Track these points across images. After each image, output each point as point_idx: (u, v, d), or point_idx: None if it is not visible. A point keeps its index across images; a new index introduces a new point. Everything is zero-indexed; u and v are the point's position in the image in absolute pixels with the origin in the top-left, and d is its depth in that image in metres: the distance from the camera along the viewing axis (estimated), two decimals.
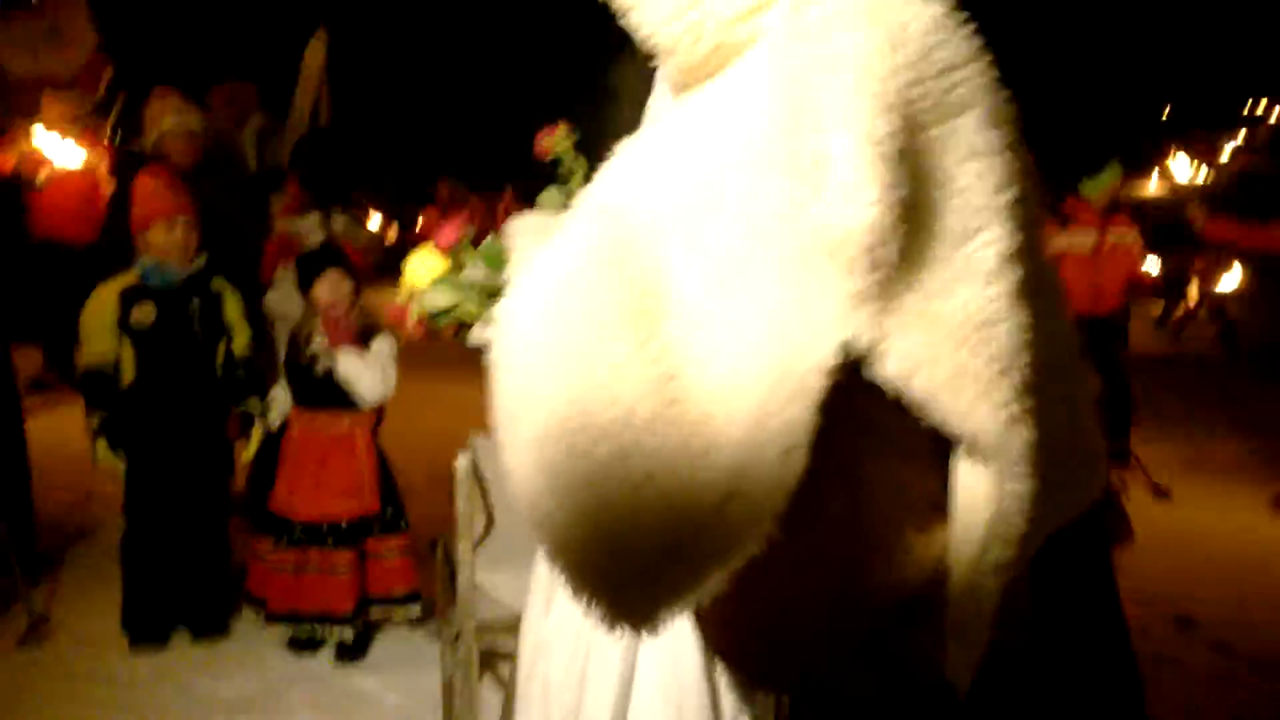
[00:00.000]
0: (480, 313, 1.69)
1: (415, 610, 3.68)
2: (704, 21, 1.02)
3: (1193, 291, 10.74)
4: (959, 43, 0.95)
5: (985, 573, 0.97)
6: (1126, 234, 5.97)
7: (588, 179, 1.16)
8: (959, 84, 0.94)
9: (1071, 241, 5.96)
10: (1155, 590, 4.16)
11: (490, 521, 3.75)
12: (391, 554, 3.66)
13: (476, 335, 1.68)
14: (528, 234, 1.43)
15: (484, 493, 3.57)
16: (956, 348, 0.91)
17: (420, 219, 11.91)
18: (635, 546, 0.94)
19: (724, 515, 0.91)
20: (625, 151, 1.08)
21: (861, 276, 0.87)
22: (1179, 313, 10.81)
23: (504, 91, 19.21)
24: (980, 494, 0.95)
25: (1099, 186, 6.02)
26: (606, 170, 1.08)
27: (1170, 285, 5.81)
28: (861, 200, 0.86)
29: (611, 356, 0.94)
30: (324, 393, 3.62)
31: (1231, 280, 6.51)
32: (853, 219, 0.86)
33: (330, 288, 3.59)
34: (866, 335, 0.89)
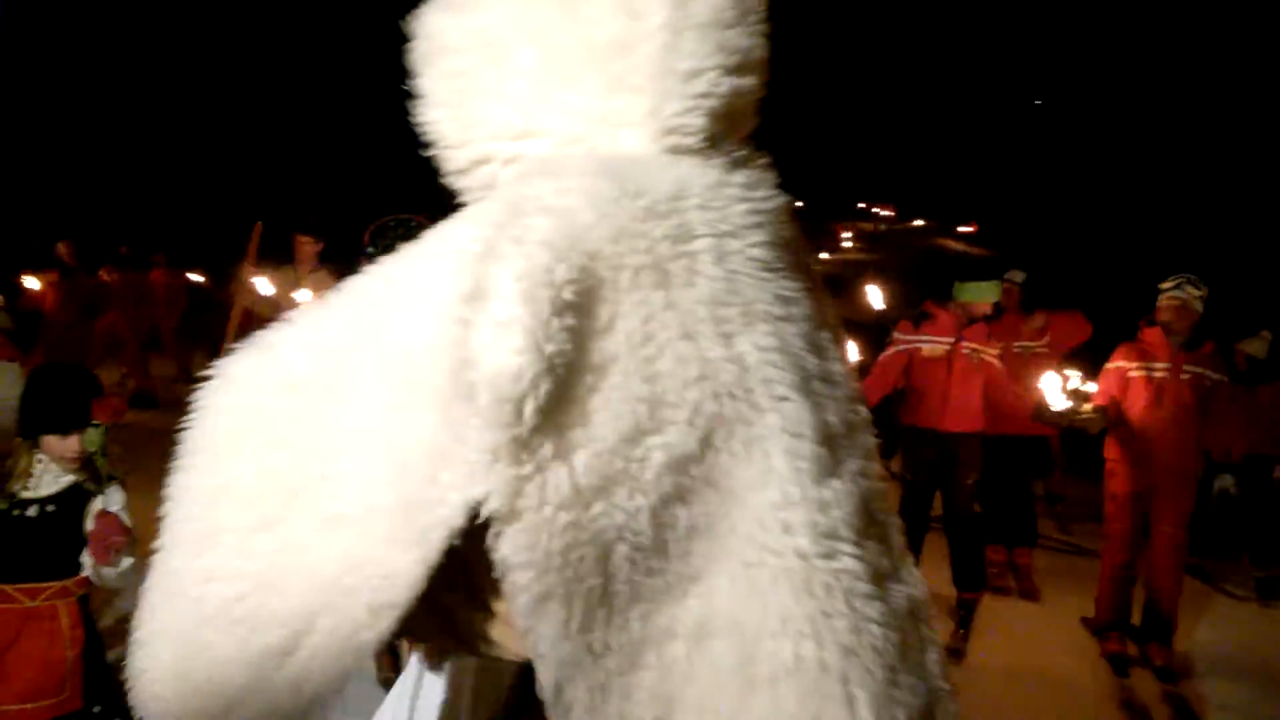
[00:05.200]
0: None
1: None
2: (476, 124, 0.99)
3: None
4: (716, 212, 0.90)
5: None
6: (983, 349, 5.45)
7: None
8: (699, 254, 0.87)
9: (918, 344, 5.46)
10: None
11: None
12: None
13: None
14: None
15: None
16: (580, 554, 0.81)
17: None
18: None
19: (286, 664, 0.86)
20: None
21: (496, 429, 0.79)
22: None
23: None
24: None
25: (969, 293, 5.49)
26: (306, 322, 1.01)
27: None
28: (508, 345, 0.78)
29: (236, 536, 0.89)
30: (17, 559, 2.77)
31: None
32: (495, 362, 0.78)
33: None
34: (496, 501, 0.80)
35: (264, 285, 6.96)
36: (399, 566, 0.83)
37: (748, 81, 0.98)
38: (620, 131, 0.95)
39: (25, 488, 2.82)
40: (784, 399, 0.86)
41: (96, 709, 2.84)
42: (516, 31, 0.97)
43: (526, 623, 0.83)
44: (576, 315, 0.81)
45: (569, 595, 0.82)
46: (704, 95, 0.95)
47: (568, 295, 0.80)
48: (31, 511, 2.81)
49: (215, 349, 11.72)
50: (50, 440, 2.83)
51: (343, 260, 7.92)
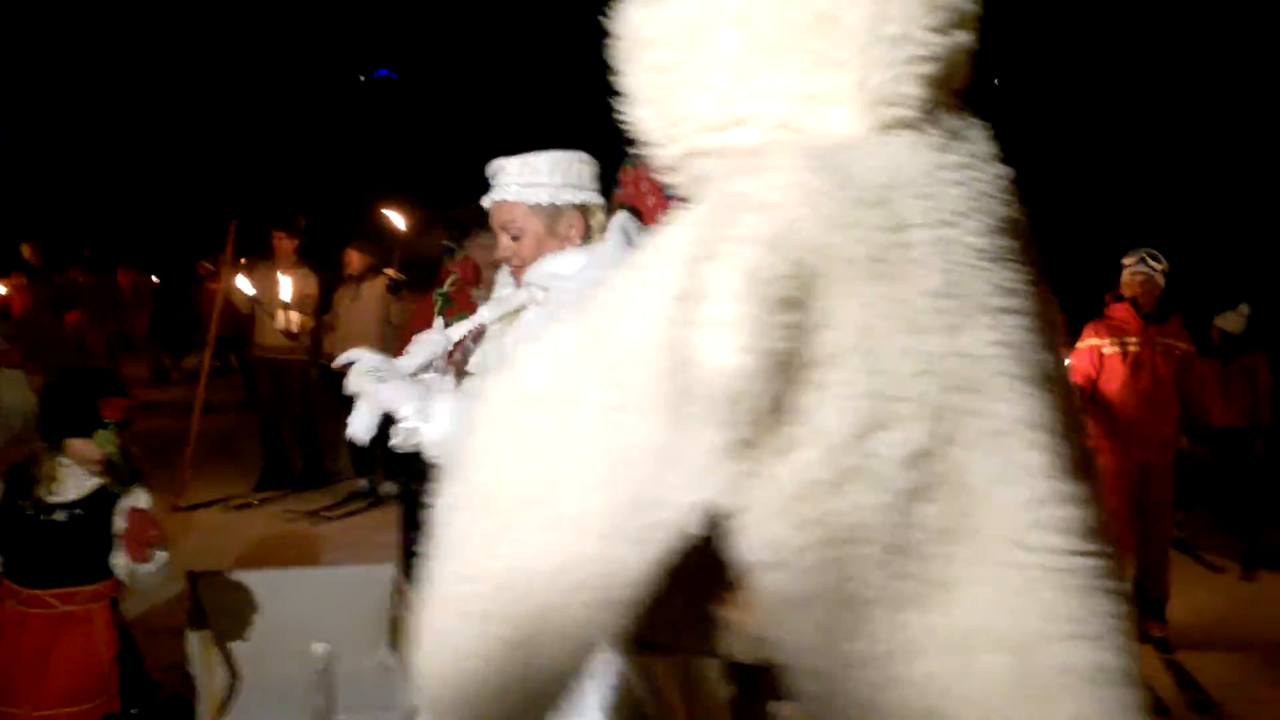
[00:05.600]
0: None
1: None
2: (682, 119, 0.97)
3: None
4: (932, 199, 0.86)
5: None
6: None
7: None
8: (915, 244, 0.83)
9: None
10: None
11: (235, 678, 3.32)
12: None
13: None
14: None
15: (220, 643, 3.11)
16: (828, 551, 0.78)
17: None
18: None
19: (521, 657, 0.89)
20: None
21: (722, 429, 0.78)
22: None
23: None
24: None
25: None
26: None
27: None
28: (729, 344, 0.77)
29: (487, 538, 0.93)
30: (49, 564, 2.75)
31: None
32: (718, 362, 0.77)
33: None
34: (726, 500, 0.79)
35: (243, 282, 6.92)
36: (621, 565, 0.83)
37: (960, 38, 0.92)
38: (828, 110, 0.91)
39: (51, 492, 2.80)
40: (1018, 392, 0.82)
41: (134, 710, 2.83)
42: (716, 16, 0.94)
43: (773, 628, 0.81)
44: (795, 311, 0.79)
45: (815, 598, 0.79)
46: (915, 60, 0.89)
47: (785, 291, 0.79)
48: (60, 516, 2.79)
49: (186, 349, 11.55)
50: (75, 443, 2.80)
51: (320, 255, 7.89)
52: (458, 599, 0.93)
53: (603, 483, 0.86)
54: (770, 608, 0.80)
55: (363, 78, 25.01)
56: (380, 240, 7.48)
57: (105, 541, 2.80)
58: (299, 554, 5.89)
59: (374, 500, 7.27)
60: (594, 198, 2.17)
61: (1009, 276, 0.87)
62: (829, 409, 0.79)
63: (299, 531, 6.49)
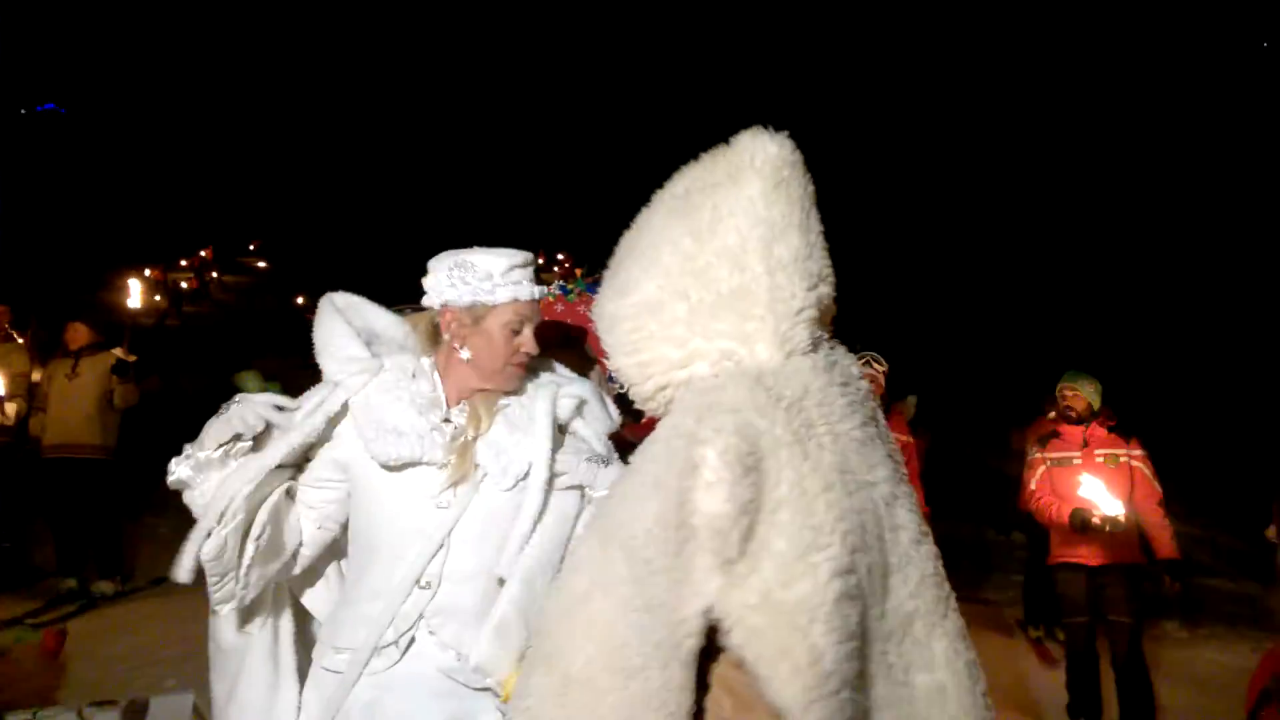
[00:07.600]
0: None
1: None
2: (652, 363, 1.43)
3: None
4: (827, 406, 1.36)
5: None
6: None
7: None
8: (819, 437, 1.32)
9: None
10: None
11: None
12: None
13: None
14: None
15: None
16: (786, 631, 1.19)
17: None
18: None
19: None
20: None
21: (713, 554, 1.19)
22: None
23: None
24: None
25: None
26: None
27: None
28: (717, 497, 1.19)
29: None
30: None
31: None
32: (709, 509, 1.19)
33: None
34: (718, 604, 1.19)
35: None
36: (673, 679, 1.20)
37: (823, 291, 1.41)
38: (756, 346, 1.37)
39: None
40: (888, 524, 1.34)
41: None
42: (667, 295, 1.41)
43: (766, 682, 1.16)
44: (756, 475, 1.22)
45: (790, 651, 1.17)
46: (800, 312, 1.37)
47: (750, 462, 1.21)
48: None
49: None
50: None
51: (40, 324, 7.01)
52: None
53: (642, 632, 1.23)
54: (754, 664, 1.18)
55: (24, 110, 22.40)
56: (110, 314, 6.79)
57: None
58: (14, 673, 5.13)
59: (86, 602, 6.51)
60: None
61: (874, 456, 1.37)
62: (780, 539, 1.20)
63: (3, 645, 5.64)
